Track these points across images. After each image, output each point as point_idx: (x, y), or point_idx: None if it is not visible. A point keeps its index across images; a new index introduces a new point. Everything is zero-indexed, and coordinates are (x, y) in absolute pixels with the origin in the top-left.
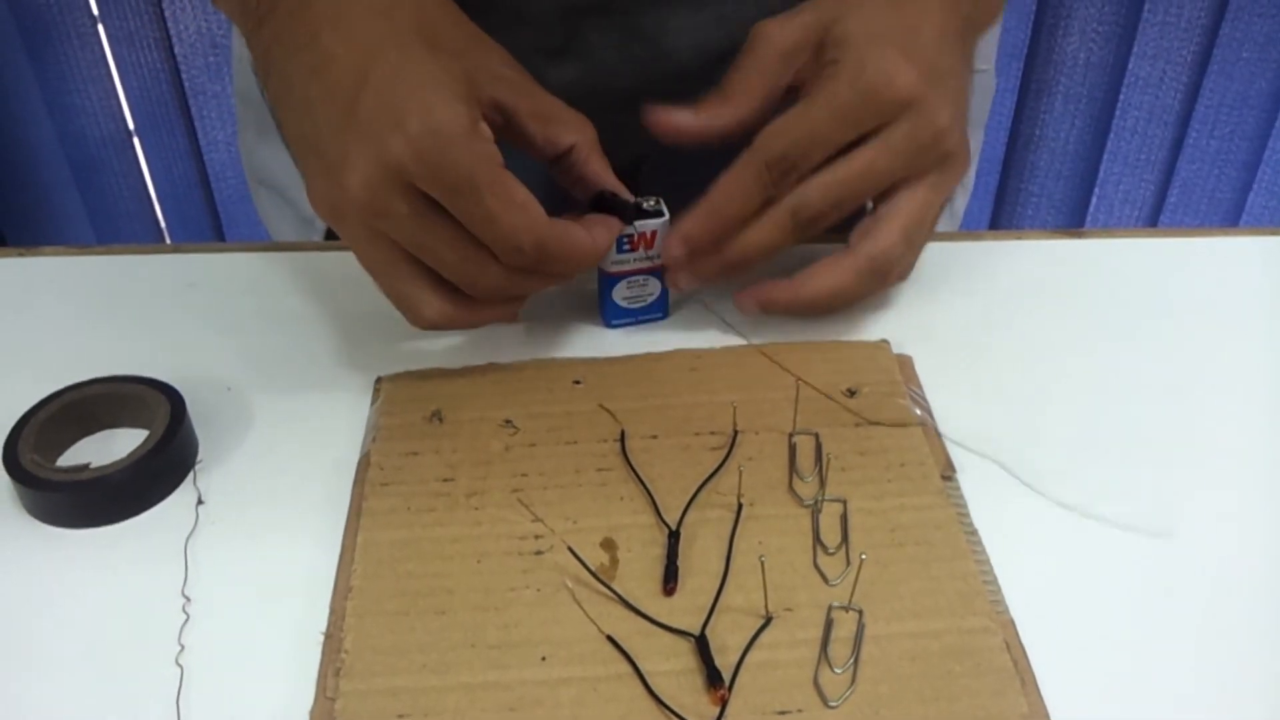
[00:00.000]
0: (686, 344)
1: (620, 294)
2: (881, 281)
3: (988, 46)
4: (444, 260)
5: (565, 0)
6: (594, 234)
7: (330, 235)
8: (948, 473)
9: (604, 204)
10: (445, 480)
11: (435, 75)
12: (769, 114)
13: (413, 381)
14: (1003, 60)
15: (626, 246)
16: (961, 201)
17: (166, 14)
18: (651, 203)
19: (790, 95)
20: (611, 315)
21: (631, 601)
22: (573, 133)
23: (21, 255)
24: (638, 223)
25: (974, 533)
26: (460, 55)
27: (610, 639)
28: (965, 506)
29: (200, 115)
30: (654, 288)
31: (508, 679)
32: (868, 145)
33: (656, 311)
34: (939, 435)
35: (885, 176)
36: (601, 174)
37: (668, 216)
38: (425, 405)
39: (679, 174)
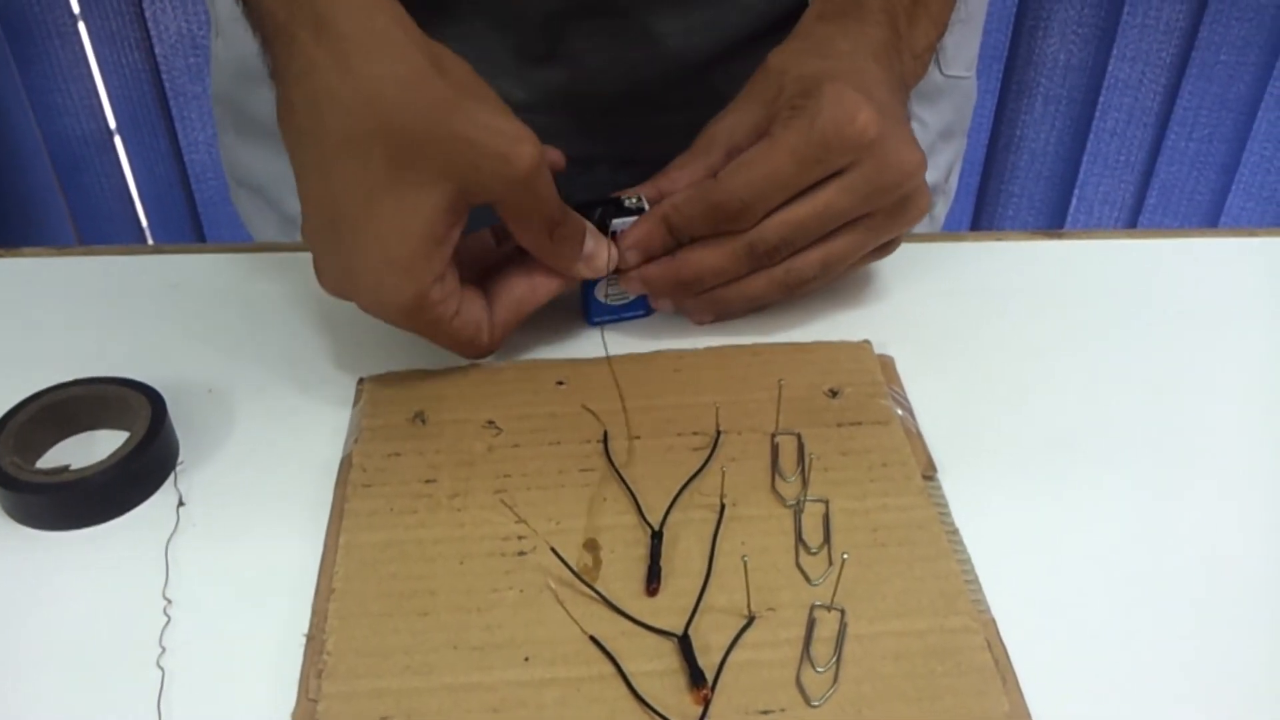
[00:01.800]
0: (669, 345)
1: (602, 291)
2: (791, 294)
3: (969, 53)
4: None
5: (551, 4)
6: (535, 284)
7: None
8: (929, 473)
9: (586, 210)
10: (428, 481)
11: (390, 240)
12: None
13: (395, 382)
14: (983, 62)
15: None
16: (942, 209)
17: (147, 14)
18: (634, 201)
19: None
20: (594, 313)
21: (614, 602)
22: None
23: (2, 256)
24: (618, 220)
25: (955, 532)
26: (442, 176)
27: (593, 639)
28: (947, 506)
29: (181, 116)
30: None
31: (491, 680)
32: (829, 186)
33: (639, 309)
34: (920, 435)
35: (843, 216)
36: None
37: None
38: (408, 406)
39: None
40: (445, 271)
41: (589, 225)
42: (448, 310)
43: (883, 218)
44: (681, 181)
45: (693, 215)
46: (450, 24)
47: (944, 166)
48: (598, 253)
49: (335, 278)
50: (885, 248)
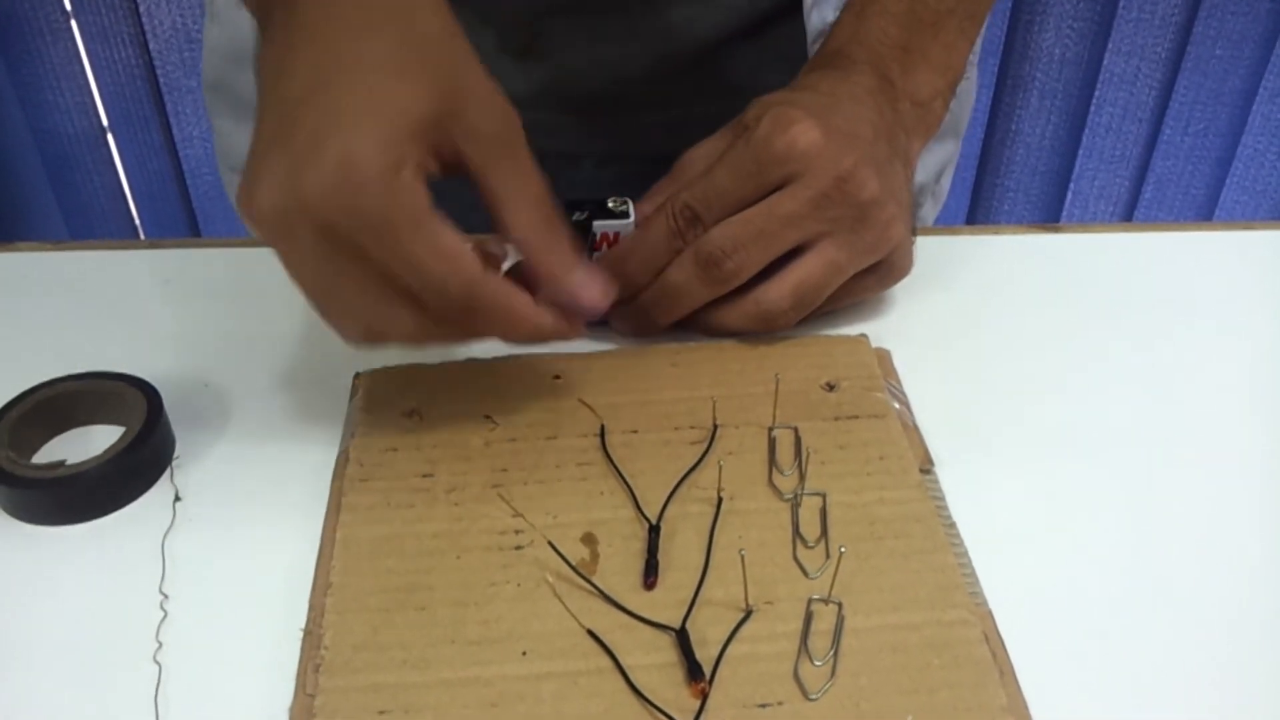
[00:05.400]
0: (666, 339)
1: None
2: (765, 327)
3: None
4: (348, 302)
5: (531, 1)
6: (539, 313)
7: None
8: (926, 466)
9: (569, 210)
10: (425, 476)
11: (378, 107)
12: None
13: (391, 377)
14: (979, 56)
15: (591, 246)
16: (931, 210)
17: (141, 9)
18: (620, 204)
19: None
20: None
21: (612, 596)
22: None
23: None
24: (601, 223)
25: (952, 525)
26: (438, 86)
27: (591, 633)
28: (944, 499)
29: (175, 111)
30: None
31: (488, 674)
32: (774, 194)
33: None
34: (917, 429)
35: (788, 222)
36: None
37: (634, 219)
38: (404, 401)
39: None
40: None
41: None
42: (423, 199)
43: (845, 234)
44: (656, 205)
45: (651, 230)
46: None
47: (933, 168)
48: (590, 278)
49: (292, 154)
50: (878, 278)
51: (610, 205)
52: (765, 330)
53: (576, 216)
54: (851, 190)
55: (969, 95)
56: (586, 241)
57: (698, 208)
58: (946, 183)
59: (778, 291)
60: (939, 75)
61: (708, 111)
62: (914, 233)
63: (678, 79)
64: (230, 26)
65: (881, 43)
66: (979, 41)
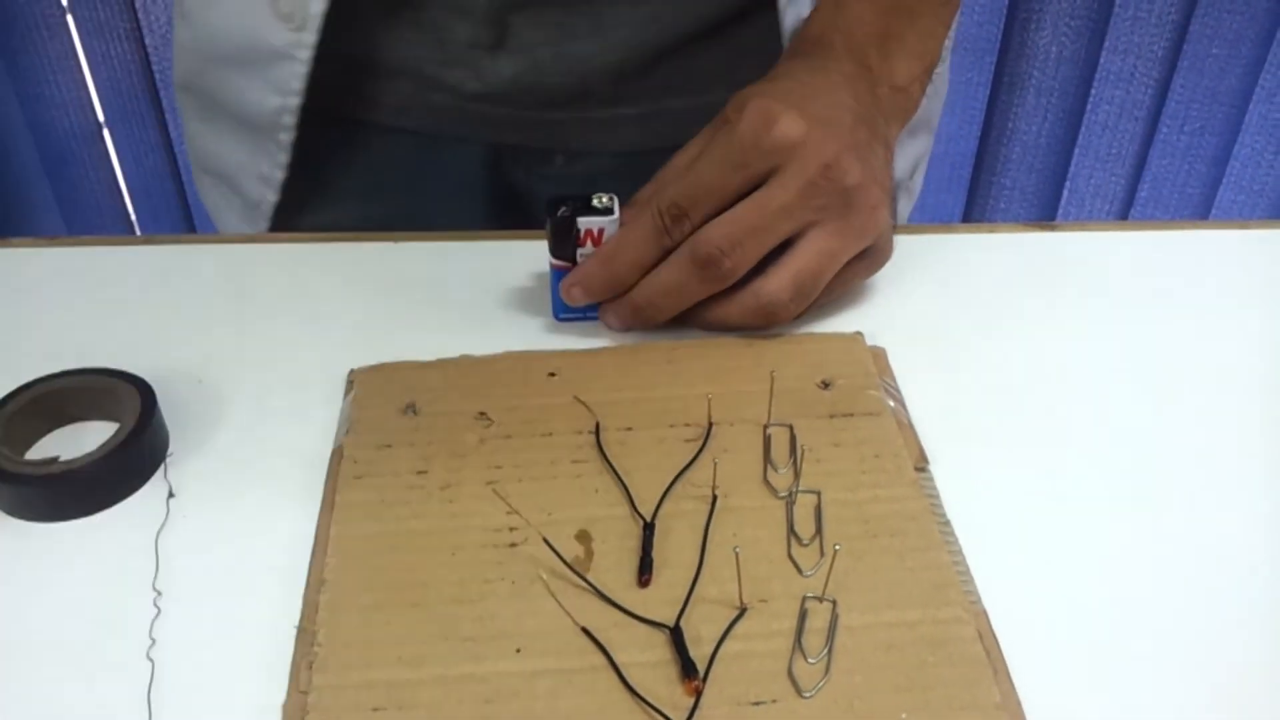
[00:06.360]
0: (661, 336)
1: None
2: (767, 321)
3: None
4: None
5: None
6: None
7: (277, 224)
8: (921, 464)
9: (553, 206)
10: (419, 473)
11: None
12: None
13: (386, 374)
14: (974, 54)
15: (575, 242)
16: (905, 205)
17: (137, 4)
18: (604, 200)
19: None
20: (558, 309)
21: (606, 593)
22: None
23: None
24: (585, 219)
25: (947, 524)
26: None
27: (585, 631)
28: (938, 498)
29: (171, 107)
30: None
31: (483, 671)
32: (762, 187)
33: None
34: (912, 427)
35: (781, 214)
36: None
37: (617, 215)
38: (399, 398)
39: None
40: None
41: None
42: None
43: (834, 221)
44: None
45: (637, 229)
46: (407, 12)
47: (908, 164)
48: None
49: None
50: (866, 264)
51: (595, 202)
52: (767, 324)
53: (561, 212)
54: (836, 177)
55: (940, 90)
56: (570, 238)
57: (684, 204)
58: (920, 179)
59: (777, 283)
60: (916, 61)
61: (678, 107)
62: (894, 217)
63: (648, 74)
64: (200, 27)
65: (859, 30)
66: (953, 31)
